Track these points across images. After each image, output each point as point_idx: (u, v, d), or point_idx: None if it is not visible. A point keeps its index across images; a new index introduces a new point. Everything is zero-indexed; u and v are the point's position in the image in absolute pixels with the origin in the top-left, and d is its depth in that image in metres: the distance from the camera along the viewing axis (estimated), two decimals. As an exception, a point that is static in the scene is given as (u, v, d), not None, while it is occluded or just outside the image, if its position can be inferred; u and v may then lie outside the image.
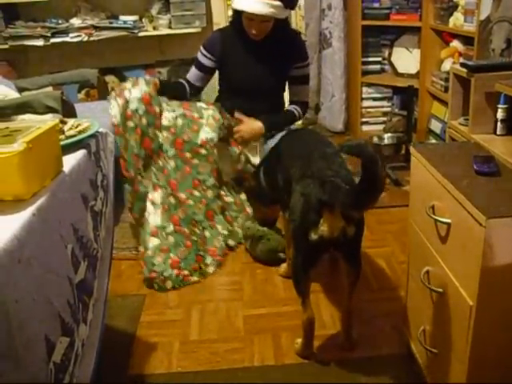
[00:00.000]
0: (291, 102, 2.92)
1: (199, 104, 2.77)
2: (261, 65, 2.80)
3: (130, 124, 2.51)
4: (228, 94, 2.92)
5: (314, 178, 1.83)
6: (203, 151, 2.66)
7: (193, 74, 2.90)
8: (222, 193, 2.81)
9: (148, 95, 2.57)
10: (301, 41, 2.95)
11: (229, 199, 2.84)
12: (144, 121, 2.54)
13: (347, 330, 2.03)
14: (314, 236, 1.80)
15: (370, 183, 1.59)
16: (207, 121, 2.68)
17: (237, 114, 2.81)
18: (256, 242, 2.62)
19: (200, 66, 2.87)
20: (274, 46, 2.77)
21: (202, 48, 2.85)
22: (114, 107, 2.51)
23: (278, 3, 2.56)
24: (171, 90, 2.80)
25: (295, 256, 1.94)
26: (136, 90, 2.56)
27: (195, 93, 2.94)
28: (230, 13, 4.15)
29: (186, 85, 2.89)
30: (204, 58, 2.84)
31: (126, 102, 2.51)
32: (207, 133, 2.67)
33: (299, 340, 2.03)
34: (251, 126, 2.81)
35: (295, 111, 2.88)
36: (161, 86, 2.69)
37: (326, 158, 1.92)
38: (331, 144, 2.17)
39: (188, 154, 2.65)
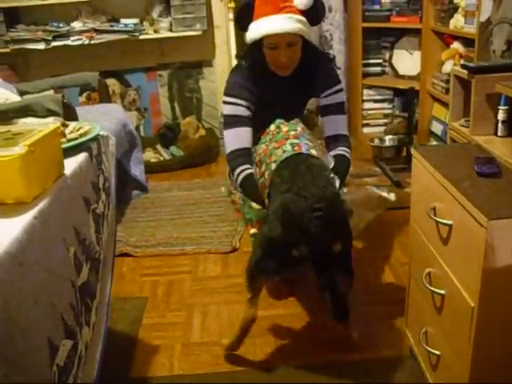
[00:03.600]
0: (328, 138, 2.29)
1: None
2: (289, 104, 2.24)
3: None
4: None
5: (300, 195, 1.74)
6: None
7: (236, 137, 2.18)
8: None
9: None
10: (329, 67, 2.35)
11: None
12: None
13: (345, 332, 2.03)
14: (295, 252, 1.75)
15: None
16: None
17: None
18: None
19: (241, 122, 2.19)
20: (305, 81, 2.25)
21: (230, 99, 2.20)
22: None
23: (303, 18, 2.07)
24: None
25: (259, 256, 1.85)
26: None
27: None
28: (234, 50, 4.06)
29: (247, 166, 2.15)
30: (241, 109, 2.19)
31: None
32: None
33: (231, 338, 2.03)
34: None
35: (346, 154, 2.24)
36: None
37: (312, 172, 1.82)
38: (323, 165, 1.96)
39: None
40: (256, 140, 2.17)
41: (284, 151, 1.92)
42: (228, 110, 2.20)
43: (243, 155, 2.14)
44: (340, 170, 2.14)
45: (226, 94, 2.23)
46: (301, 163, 1.85)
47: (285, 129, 2.09)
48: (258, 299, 1.94)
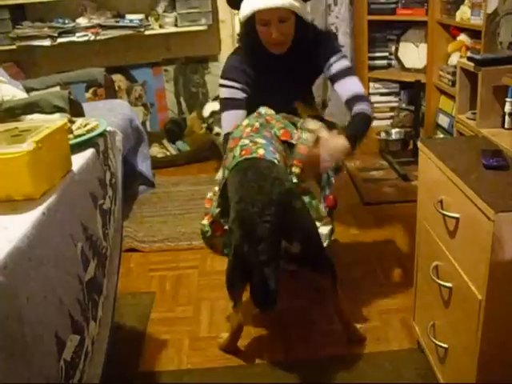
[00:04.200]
0: (347, 102, 2.17)
1: None
2: (290, 85, 2.23)
3: None
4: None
5: (248, 204, 1.77)
6: None
7: (232, 119, 2.20)
8: None
9: None
10: (328, 41, 2.30)
11: None
12: None
13: (347, 327, 2.04)
14: (255, 259, 1.77)
15: None
16: None
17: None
18: None
19: (238, 104, 2.20)
20: (303, 59, 2.22)
21: (227, 82, 2.21)
22: None
23: None
24: None
25: (232, 265, 1.89)
26: None
27: None
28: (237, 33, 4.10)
29: None
30: (237, 92, 2.20)
31: None
32: None
33: (224, 335, 2.05)
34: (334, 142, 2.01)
35: (365, 110, 2.12)
36: None
37: (258, 178, 1.81)
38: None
39: None
40: None
41: (234, 156, 1.93)
42: (224, 93, 2.21)
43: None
44: (357, 127, 2.08)
45: (223, 77, 2.24)
46: (248, 169, 1.86)
47: (245, 123, 2.08)
48: (241, 305, 1.96)
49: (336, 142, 1.99)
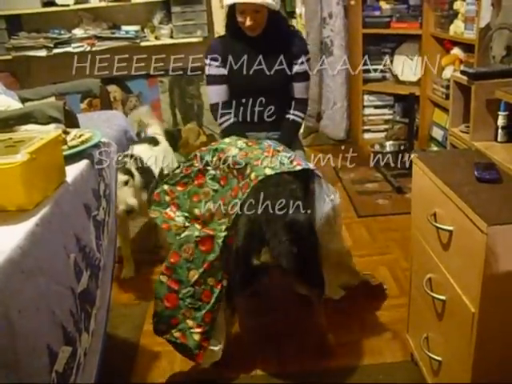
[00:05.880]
0: (293, 100, 2.67)
1: None
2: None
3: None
4: (233, 100, 2.65)
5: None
6: None
7: (218, 91, 2.63)
8: None
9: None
10: (300, 36, 2.78)
11: None
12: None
13: (323, 340, 2.08)
14: (255, 262, 1.82)
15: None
16: None
17: None
18: None
19: (218, 80, 2.62)
20: (273, 42, 2.58)
21: (208, 61, 2.61)
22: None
23: None
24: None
25: (233, 274, 1.91)
26: None
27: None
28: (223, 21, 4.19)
29: (230, 116, 2.58)
30: (216, 69, 2.60)
31: None
32: None
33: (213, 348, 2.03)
34: None
35: (296, 118, 2.66)
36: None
37: (278, 186, 1.89)
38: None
39: None
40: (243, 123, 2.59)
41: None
42: (207, 70, 2.64)
43: (222, 108, 2.61)
44: (285, 136, 2.60)
45: (205, 56, 2.66)
46: (272, 192, 1.89)
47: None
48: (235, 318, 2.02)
49: None
